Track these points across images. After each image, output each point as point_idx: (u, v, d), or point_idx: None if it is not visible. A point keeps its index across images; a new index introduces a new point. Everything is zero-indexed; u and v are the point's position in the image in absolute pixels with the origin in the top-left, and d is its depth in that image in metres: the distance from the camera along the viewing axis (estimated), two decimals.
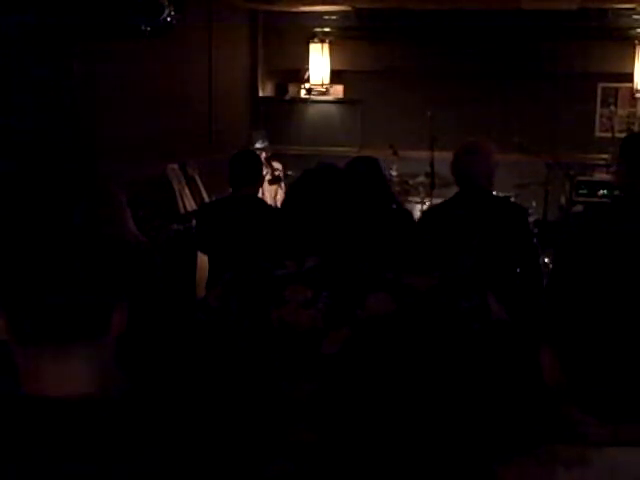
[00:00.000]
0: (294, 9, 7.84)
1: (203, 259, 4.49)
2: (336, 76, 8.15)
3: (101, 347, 1.16)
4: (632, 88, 7.55)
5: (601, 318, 1.04)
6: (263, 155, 6.09)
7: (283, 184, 6.85)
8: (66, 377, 1.13)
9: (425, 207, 6.29)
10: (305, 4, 7.66)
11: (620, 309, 1.04)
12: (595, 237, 1.13)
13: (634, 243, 1.11)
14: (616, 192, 4.39)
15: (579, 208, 6.51)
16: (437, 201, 6.51)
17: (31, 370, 1.14)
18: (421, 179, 6.75)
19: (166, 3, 4.58)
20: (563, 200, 6.77)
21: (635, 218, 3.25)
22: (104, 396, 1.13)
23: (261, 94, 8.33)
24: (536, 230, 5.52)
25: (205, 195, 6.48)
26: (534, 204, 6.33)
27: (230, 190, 4.35)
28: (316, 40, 8.03)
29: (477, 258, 2.36)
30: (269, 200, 6.30)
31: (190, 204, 6.22)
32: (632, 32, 7.45)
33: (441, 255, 3.18)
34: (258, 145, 6.87)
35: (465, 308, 2.11)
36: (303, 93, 8.24)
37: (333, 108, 8.28)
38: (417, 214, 5.86)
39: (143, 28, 4.52)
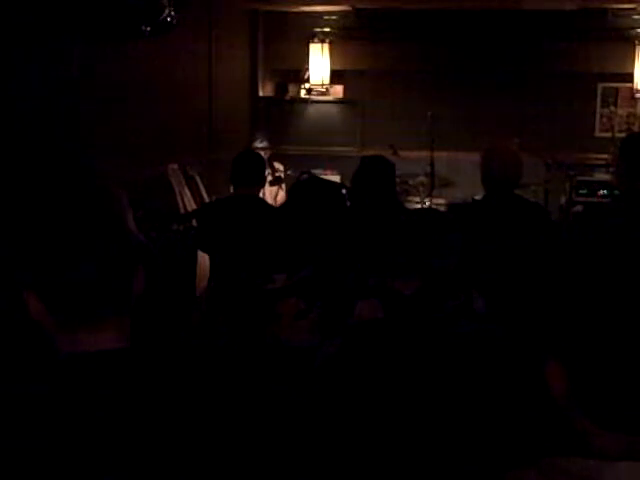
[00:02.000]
0: (294, 9, 7.84)
1: (204, 258, 4.49)
2: (336, 76, 8.14)
3: (126, 311, 1.31)
4: (632, 88, 7.55)
5: (608, 328, 1.03)
6: (263, 155, 6.09)
7: (284, 185, 6.85)
8: (100, 340, 1.26)
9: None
10: (305, 4, 7.66)
11: (628, 318, 1.03)
12: (597, 248, 1.12)
13: (636, 252, 1.10)
14: (616, 192, 4.38)
15: (579, 208, 6.50)
16: (437, 201, 6.54)
17: (68, 339, 1.26)
18: (421, 179, 6.75)
19: (166, 3, 4.58)
20: (563, 200, 6.78)
21: (636, 222, 3.23)
22: (134, 347, 1.28)
23: (261, 94, 8.32)
24: None
25: (205, 195, 6.48)
26: None
27: (231, 190, 4.34)
28: (316, 40, 8.02)
29: (461, 257, 2.35)
30: (270, 201, 6.30)
31: (190, 204, 6.21)
32: (632, 32, 7.45)
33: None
34: (258, 145, 6.86)
35: (451, 307, 2.11)
36: (303, 93, 8.23)
37: (333, 108, 8.28)
38: None
39: (143, 28, 4.52)
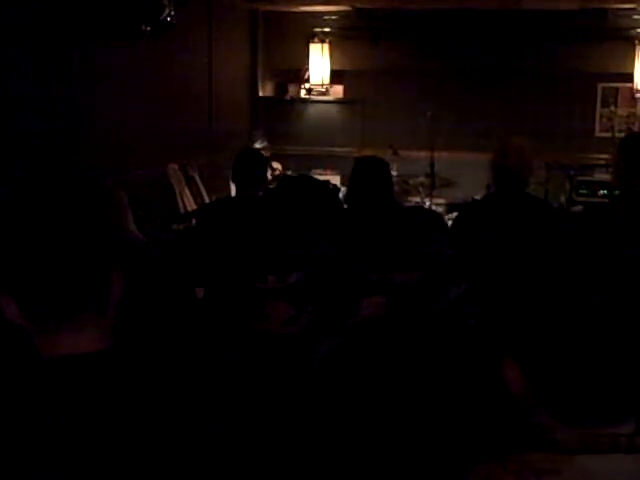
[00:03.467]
0: (294, 9, 7.84)
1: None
2: (336, 76, 8.15)
3: (106, 312, 1.29)
4: (632, 88, 7.54)
5: (566, 324, 1.03)
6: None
7: None
8: (80, 342, 1.24)
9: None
10: (305, 4, 7.66)
11: (585, 314, 1.03)
12: (587, 248, 1.13)
13: (615, 252, 1.10)
14: (616, 192, 4.36)
15: (579, 208, 6.51)
16: (437, 201, 6.55)
17: (48, 342, 1.24)
18: (421, 179, 6.76)
19: (166, 3, 4.58)
20: (563, 200, 6.78)
21: (634, 223, 3.23)
22: (114, 350, 1.26)
23: (261, 94, 8.33)
24: None
25: (205, 195, 6.48)
26: None
27: (231, 189, 4.34)
28: (316, 40, 8.03)
29: (456, 249, 2.36)
30: None
31: (190, 204, 6.21)
32: (632, 32, 7.45)
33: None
34: (257, 145, 6.86)
35: (453, 296, 2.11)
36: (303, 93, 8.24)
37: (333, 108, 8.28)
38: None
39: (143, 28, 4.52)
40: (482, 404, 1.89)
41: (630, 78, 7.51)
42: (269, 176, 6.30)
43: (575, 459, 1.03)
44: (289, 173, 6.96)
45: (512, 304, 1.10)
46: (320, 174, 7.03)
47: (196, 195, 6.41)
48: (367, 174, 3.84)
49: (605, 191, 6.75)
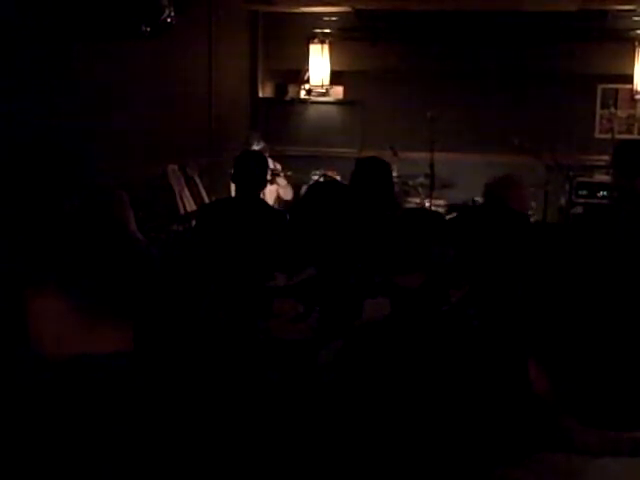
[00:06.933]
0: (294, 10, 7.83)
1: None
2: (336, 77, 8.15)
3: (127, 311, 1.30)
4: (632, 89, 7.55)
5: (589, 326, 1.03)
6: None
7: (281, 181, 6.86)
8: (100, 341, 1.25)
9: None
10: (305, 5, 7.65)
11: (607, 316, 1.03)
12: (580, 248, 1.12)
13: (621, 253, 1.09)
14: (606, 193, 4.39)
15: (579, 209, 6.50)
16: (437, 202, 6.55)
17: (68, 341, 1.25)
18: (421, 180, 6.76)
19: (166, 3, 4.58)
20: (563, 201, 6.78)
21: (623, 224, 3.25)
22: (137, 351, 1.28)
23: (261, 95, 8.33)
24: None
25: (205, 196, 6.48)
26: (534, 205, 6.32)
27: (232, 189, 4.34)
28: (316, 41, 8.03)
29: (455, 254, 2.37)
30: (270, 201, 6.30)
31: (190, 205, 6.21)
32: (632, 33, 7.46)
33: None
34: (254, 147, 6.85)
35: (457, 298, 2.11)
36: (303, 94, 8.24)
37: (333, 109, 8.28)
38: None
39: (143, 28, 4.52)
40: (499, 405, 1.89)
41: (630, 79, 7.51)
42: (269, 176, 6.30)
43: (597, 462, 1.02)
44: (289, 174, 6.96)
45: (533, 306, 1.10)
46: (320, 175, 7.03)
47: (196, 196, 6.41)
48: (368, 173, 3.84)
49: (605, 192, 6.75)
